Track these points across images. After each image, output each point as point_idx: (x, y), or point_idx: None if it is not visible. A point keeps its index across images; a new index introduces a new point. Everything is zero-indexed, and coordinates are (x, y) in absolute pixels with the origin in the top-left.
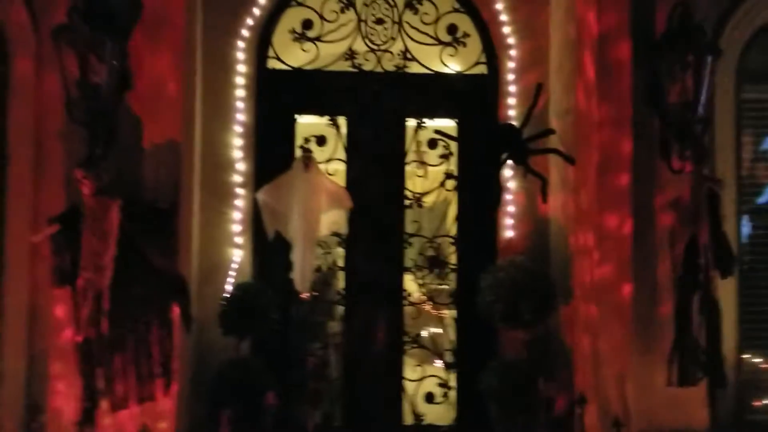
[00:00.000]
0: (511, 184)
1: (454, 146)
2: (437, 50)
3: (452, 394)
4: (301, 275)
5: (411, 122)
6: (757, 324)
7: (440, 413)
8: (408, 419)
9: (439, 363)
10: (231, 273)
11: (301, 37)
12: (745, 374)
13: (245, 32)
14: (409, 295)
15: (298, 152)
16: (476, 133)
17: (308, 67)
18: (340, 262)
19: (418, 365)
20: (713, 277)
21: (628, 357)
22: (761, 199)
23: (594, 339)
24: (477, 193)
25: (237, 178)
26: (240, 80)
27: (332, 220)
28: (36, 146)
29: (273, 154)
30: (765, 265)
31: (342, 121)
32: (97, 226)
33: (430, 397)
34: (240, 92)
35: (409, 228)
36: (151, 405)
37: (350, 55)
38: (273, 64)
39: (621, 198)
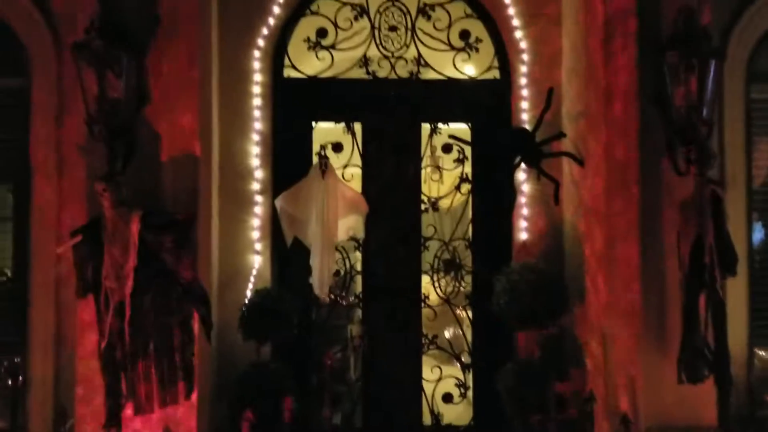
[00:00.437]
0: (525, 187)
1: (468, 150)
2: (450, 56)
3: (470, 395)
4: (319, 280)
5: (426, 127)
6: None
7: (458, 413)
8: (426, 419)
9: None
10: (251, 279)
11: (315, 46)
12: (757, 370)
13: (261, 42)
14: (427, 297)
15: (315, 159)
16: (490, 137)
17: (323, 75)
18: (358, 267)
19: (437, 366)
20: (718, 276)
21: (638, 355)
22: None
23: (604, 338)
24: (491, 196)
25: (255, 186)
26: (256, 89)
27: (349, 225)
28: (59, 161)
29: (290, 161)
30: None
31: (358, 127)
32: (118, 237)
33: (448, 398)
34: (257, 101)
35: (426, 232)
36: (174, 408)
37: (364, 62)
38: (289, 72)
39: (629, 199)
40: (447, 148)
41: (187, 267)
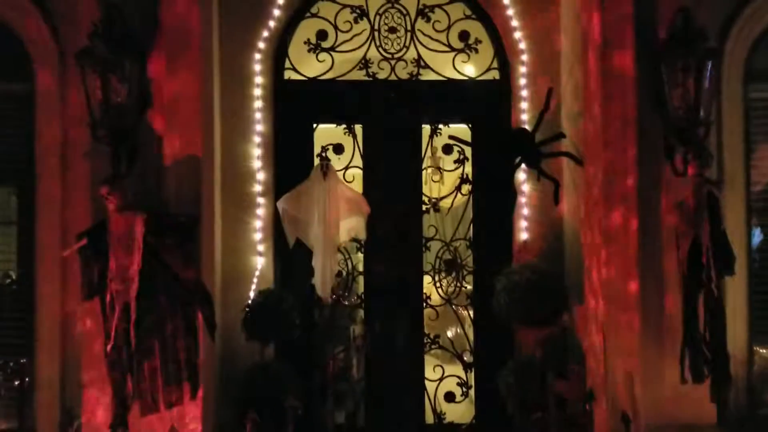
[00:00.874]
0: (525, 187)
1: (468, 151)
2: (450, 57)
3: (471, 393)
4: (321, 281)
5: (426, 128)
6: None
7: (460, 412)
8: (429, 418)
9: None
10: (254, 280)
11: (316, 48)
12: (758, 368)
13: (262, 45)
14: (429, 297)
15: (317, 160)
16: (490, 137)
17: (324, 77)
18: (360, 267)
19: (439, 365)
20: (715, 276)
21: (637, 353)
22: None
23: (604, 336)
24: (492, 196)
25: (257, 188)
26: (258, 92)
27: (351, 226)
28: (63, 165)
29: (292, 163)
30: None
31: (358, 128)
32: (122, 240)
33: (450, 397)
34: (258, 103)
35: (427, 232)
36: (180, 409)
37: (365, 64)
38: (289, 74)
39: (627, 199)
40: (447, 149)
41: (190, 269)
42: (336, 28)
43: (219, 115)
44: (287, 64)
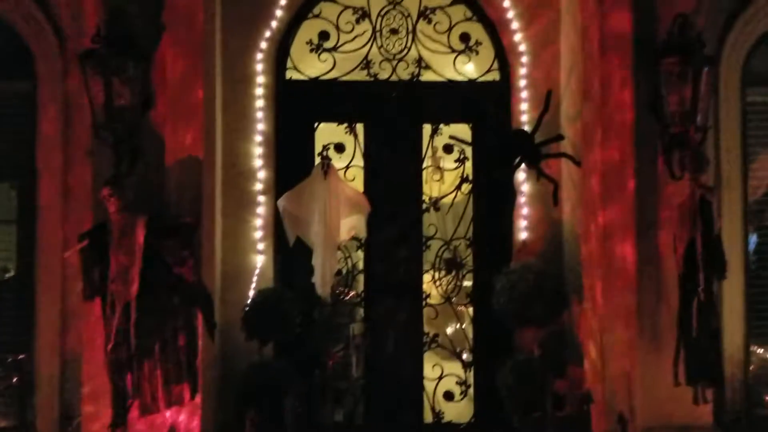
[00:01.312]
0: (525, 187)
1: (469, 150)
2: (451, 58)
3: (471, 392)
4: (321, 279)
5: (427, 128)
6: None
7: (459, 411)
8: (428, 417)
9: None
10: (253, 278)
11: (318, 48)
12: (755, 369)
13: (264, 45)
14: (428, 296)
15: (318, 159)
16: (490, 137)
17: (326, 77)
18: (360, 266)
19: (438, 364)
20: (704, 279)
21: (635, 355)
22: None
23: (602, 337)
24: (492, 195)
25: (258, 186)
26: (259, 91)
27: (351, 224)
28: (65, 165)
29: (293, 161)
30: None
31: (360, 128)
32: (123, 241)
33: (449, 395)
34: (260, 103)
35: (427, 231)
36: (180, 408)
37: (366, 64)
38: (291, 74)
39: (625, 201)
40: (448, 149)
41: (190, 269)
42: (338, 28)
43: (221, 114)
44: (289, 64)
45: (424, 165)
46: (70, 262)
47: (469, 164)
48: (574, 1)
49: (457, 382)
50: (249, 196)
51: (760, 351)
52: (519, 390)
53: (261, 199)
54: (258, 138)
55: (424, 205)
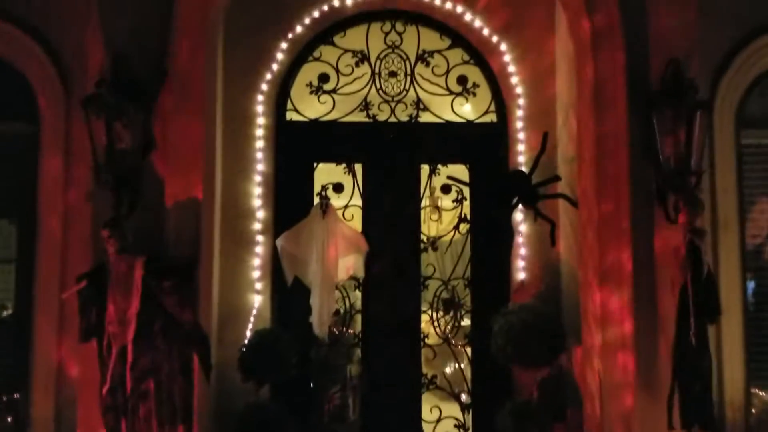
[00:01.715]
0: (522, 228)
1: (466, 191)
2: (448, 100)
3: None
4: (319, 319)
5: (425, 168)
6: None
7: None
8: None
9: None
10: (251, 318)
11: (318, 90)
12: (757, 413)
13: (264, 87)
14: (426, 336)
15: (316, 199)
16: (488, 178)
17: (325, 118)
18: (358, 305)
19: (436, 406)
20: (696, 323)
21: (633, 398)
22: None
23: (600, 379)
24: (490, 235)
25: (257, 226)
26: (260, 132)
27: (349, 264)
28: (65, 206)
29: (292, 201)
30: None
31: (358, 168)
32: (121, 282)
33: None
34: (260, 143)
35: (425, 271)
36: None
37: (365, 105)
38: (291, 115)
39: (622, 243)
40: (446, 189)
41: (188, 311)
42: (337, 71)
43: (221, 154)
44: (289, 106)
45: (422, 205)
46: (68, 303)
47: (466, 204)
48: (568, 45)
49: (455, 425)
50: (248, 235)
51: (762, 393)
52: None
53: (259, 238)
54: (257, 178)
55: (422, 245)
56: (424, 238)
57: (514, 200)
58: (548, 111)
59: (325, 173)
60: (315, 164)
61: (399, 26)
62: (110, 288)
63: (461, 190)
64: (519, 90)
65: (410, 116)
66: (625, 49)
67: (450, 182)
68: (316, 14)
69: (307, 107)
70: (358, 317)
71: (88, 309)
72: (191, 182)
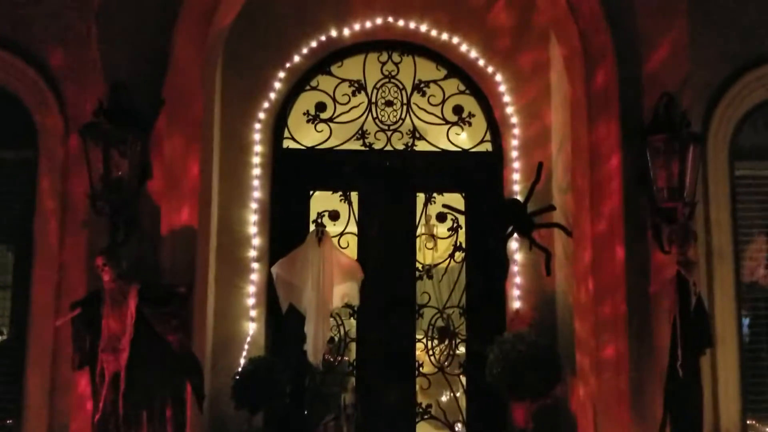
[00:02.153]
0: (518, 256)
1: (462, 219)
2: (444, 129)
3: None
4: (314, 347)
5: (420, 196)
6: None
7: None
8: None
9: None
10: (245, 346)
11: (314, 119)
12: None
13: (262, 115)
14: (421, 365)
15: (312, 227)
16: (483, 207)
17: (321, 146)
18: (353, 333)
19: None
20: (683, 355)
21: (627, 427)
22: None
23: (595, 410)
24: (485, 264)
25: (252, 253)
26: (256, 160)
27: (344, 291)
28: (61, 233)
29: (287, 229)
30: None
31: (354, 196)
32: (116, 310)
33: None
34: (256, 171)
35: (421, 299)
36: None
37: (361, 134)
38: (288, 143)
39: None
40: (441, 217)
41: (182, 339)
42: (334, 100)
43: (217, 181)
44: (286, 134)
45: (418, 233)
46: (62, 330)
47: (462, 232)
48: (563, 76)
49: None
50: (243, 263)
51: (758, 425)
52: None
53: (255, 266)
54: (253, 205)
55: (418, 273)
56: (419, 266)
57: (510, 229)
58: (543, 140)
59: (321, 201)
60: (311, 192)
61: (396, 56)
62: (104, 315)
63: (456, 219)
64: (514, 120)
65: (406, 145)
66: (619, 81)
67: (445, 210)
68: (314, 44)
69: (304, 135)
70: (353, 345)
71: (81, 336)
72: (187, 211)
